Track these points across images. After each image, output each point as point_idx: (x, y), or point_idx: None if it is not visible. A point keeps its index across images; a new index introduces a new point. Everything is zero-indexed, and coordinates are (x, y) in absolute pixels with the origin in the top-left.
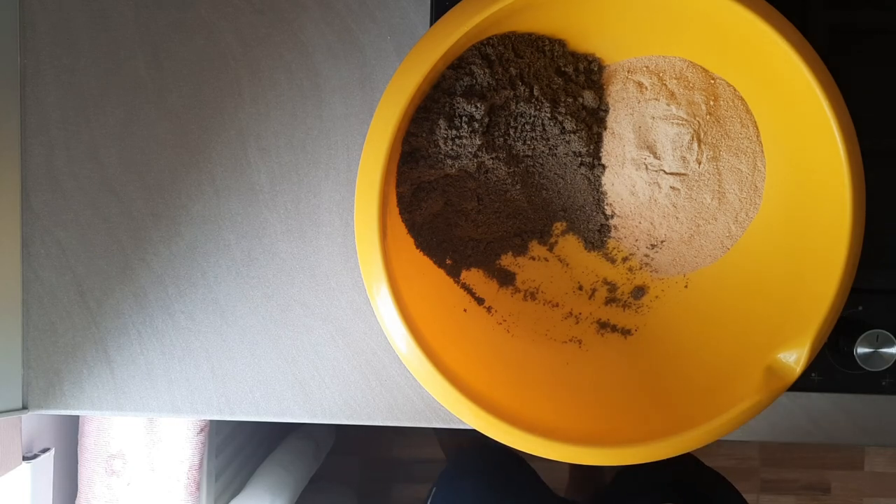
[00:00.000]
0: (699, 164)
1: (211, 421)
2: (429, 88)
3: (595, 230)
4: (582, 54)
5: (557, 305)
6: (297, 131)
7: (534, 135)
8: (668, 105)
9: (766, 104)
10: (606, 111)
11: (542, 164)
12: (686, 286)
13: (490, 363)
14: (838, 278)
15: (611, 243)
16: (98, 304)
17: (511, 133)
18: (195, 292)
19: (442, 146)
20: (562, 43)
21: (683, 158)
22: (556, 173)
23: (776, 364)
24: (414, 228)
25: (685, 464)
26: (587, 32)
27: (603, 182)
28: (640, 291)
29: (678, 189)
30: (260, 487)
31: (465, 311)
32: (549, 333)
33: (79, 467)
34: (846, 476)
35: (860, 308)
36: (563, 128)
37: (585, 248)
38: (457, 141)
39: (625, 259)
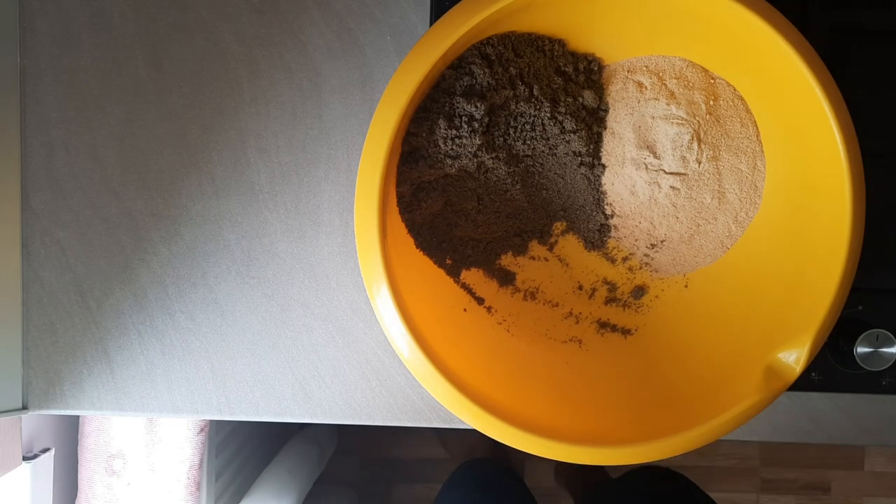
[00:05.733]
0: (699, 163)
1: (211, 421)
2: (428, 88)
3: (595, 230)
4: (582, 54)
5: (557, 305)
6: (296, 131)
7: (534, 134)
8: (667, 105)
9: (766, 104)
10: (606, 111)
11: (542, 164)
12: (686, 286)
13: (490, 363)
14: (838, 278)
15: (611, 243)
16: (98, 304)
17: (511, 133)
18: (195, 292)
19: (442, 146)
20: (561, 43)
21: (683, 158)
22: (556, 173)
23: (776, 363)
24: (414, 228)
25: (681, 484)
26: (587, 32)
27: (603, 182)
28: (640, 291)
29: (678, 189)
30: (265, 492)
31: (465, 310)
32: (549, 333)
33: (79, 467)
34: (846, 476)
35: (860, 308)
36: (563, 127)
37: (585, 248)
38: (457, 141)
39: (625, 259)
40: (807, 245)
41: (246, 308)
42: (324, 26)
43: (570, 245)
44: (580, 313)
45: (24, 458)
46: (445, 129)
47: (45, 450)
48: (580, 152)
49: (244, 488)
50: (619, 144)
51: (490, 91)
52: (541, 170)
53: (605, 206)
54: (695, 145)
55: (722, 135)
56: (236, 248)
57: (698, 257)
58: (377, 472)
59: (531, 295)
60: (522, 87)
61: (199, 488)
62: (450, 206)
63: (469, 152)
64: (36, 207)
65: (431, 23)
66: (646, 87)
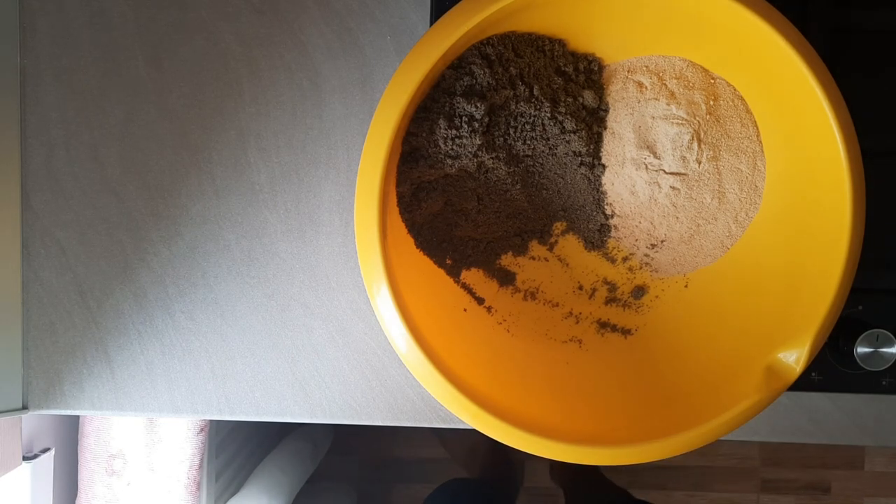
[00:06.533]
0: (699, 163)
1: (211, 421)
2: (429, 88)
3: (595, 230)
4: (582, 54)
5: (557, 305)
6: (297, 131)
7: (534, 134)
8: (668, 105)
9: (766, 104)
10: (606, 111)
11: (542, 164)
12: (686, 286)
13: (490, 363)
14: (838, 278)
15: (611, 243)
16: (98, 304)
17: (511, 133)
18: (195, 292)
19: (442, 146)
20: (562, 43)
21: (683, 158)
22: (556, 173)
23: (776, 363)
24: (414, 228)
25: None
26: (587, 32)
27: (603, 182)
28: (640, 291)
29: (678, 189)
30: (256, 489)
31: (465, 310)
32: (549, 333)
33: (79, 467)
34: (846, 476)
35: (860, 308)
36: (563, 127)
37: (585, 248)
38: (457, 141)
39: (625, 259)
40: (807, 244)
41: (246, 308)
42: (324, 26)
43: (570, 245)
44: (580, 313)
45: (24, 458)
46: (445, 129)
47: (45, 450)
48: (580, 152)
49: None
50: (619, 144)
51: (490, 91)
52: (541, 170)
53: (605, 206)
54: (695, 145)
55: (722, 135)
56: (236, 248)
57: (698, 257)
58: (376, 472)
59: (531, 295)
60: (522, 87)
61: (199, 488)
62: (450, 206)
63: (469, 152)
64: (36, 207)
65: (431, 23)
66: (646, 87)
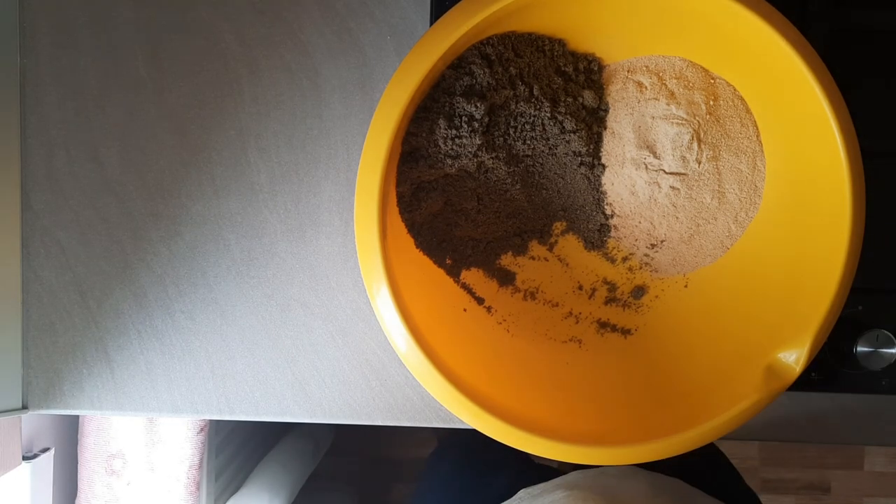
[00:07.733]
0: (699, 163)
1: (211, 421)
2: (429, 88)
3: (595, 230)
4: (582, 54)
5: (557, 305)
6: (296, 131)
7: (534, 134)
8: (667, 105)
9: (766, 104)
10: (606, 111)
11: (541, 164)
12: (686, 286)
13: (490, 363)
14: (838, 278)
15: (611, 243)
16: (98, 304)
17: (511, 133)
18: (195, 292)
19: (442, 146)
20: (562, 43)
21: (683, 158)
22: (555, 173)
23: (776, 363)
24: (414, 228)
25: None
26: (587, 32)
27: (603, 182)
28: (639, 291)
29: (678, 189)
30: (258, 486)
31: (464, 310)
32: (549, 333)
33: (79, 467)
34: (846, 476)
35: (860, 308)
36: (563, 127)
37: (585, 248)
38: (457, 140)
39: (625, 259)
40: (807, 245)
41: (246, 308)
42: (324, 26)
43: (570, 245)
44: (580, 313)
45: (24, 458)
46: (445, 129)
47: (45, 450)
48: (580, 152)
49: None
50: (619, 144)
51: (490, 91)
52: (541, 170)
53: (605, 206)
54: (695, 145)
55: (722, 135)
56: (236, 248)
57: (698, 257)
58: (376, 471)
59: (531, 295)
60: (522, 87)
61: (198, 488)
62: (450, 205)
63: (469, 152)
64: (36, 207)
65: (431, 23)
66: (646, 87)
